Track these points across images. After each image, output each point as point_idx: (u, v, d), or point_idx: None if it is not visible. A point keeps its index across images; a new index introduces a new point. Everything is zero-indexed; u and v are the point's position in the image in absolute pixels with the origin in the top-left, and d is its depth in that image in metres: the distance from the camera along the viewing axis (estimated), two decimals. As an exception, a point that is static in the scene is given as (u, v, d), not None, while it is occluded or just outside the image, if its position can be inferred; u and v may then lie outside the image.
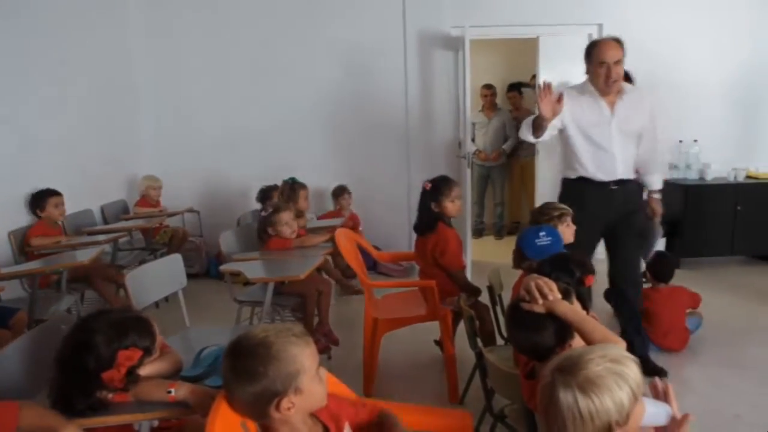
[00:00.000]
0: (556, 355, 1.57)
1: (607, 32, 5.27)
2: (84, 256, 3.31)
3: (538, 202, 4.00)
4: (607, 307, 3.63)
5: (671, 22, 5.36)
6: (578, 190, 3.12)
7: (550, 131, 3.02)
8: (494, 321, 2.95)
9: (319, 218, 4.94)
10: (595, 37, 5.39)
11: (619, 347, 1.28)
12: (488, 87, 6.55)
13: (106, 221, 4.72)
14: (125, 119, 5.32)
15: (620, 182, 3.10)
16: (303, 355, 1.35)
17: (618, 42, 3.02)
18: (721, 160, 5.34)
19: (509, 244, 2.63)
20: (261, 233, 3.61)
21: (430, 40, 5.42)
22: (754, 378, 3.12)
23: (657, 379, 1.36)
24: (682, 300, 3.52)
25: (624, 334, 3.07)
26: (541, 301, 1.58)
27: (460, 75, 5.28)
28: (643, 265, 3.58)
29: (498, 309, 2.93)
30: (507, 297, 2.21)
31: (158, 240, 4.89)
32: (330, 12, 5.40)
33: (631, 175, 3.17)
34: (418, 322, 3.12)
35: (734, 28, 5.40)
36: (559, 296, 1.59)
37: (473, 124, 6.16)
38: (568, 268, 2.00)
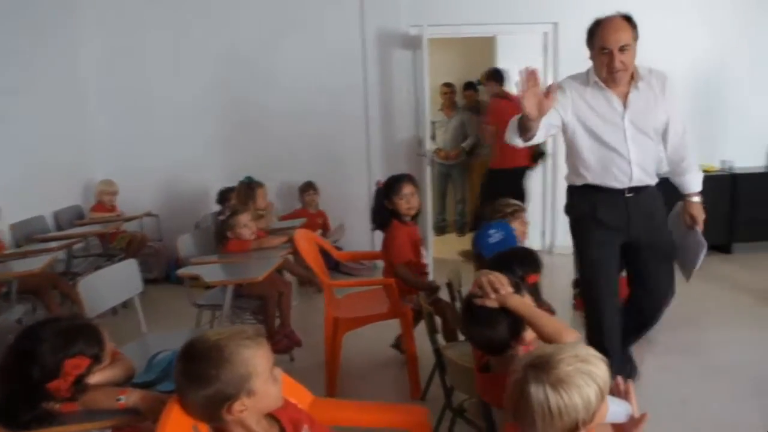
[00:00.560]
0: (510, 349, 1.61)
1: (562, 31, 5.37)
2: (35, 264, 3.20)
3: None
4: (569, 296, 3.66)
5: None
6: (586, 200, 2.62)
7: (545, 131, 2.47)
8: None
9: (281, 219, 4.90)
10: (551, 36, 5.48)
11: (586, 346, 1.30)
12: (448, 85, 6.61)
13: (60, 227, 4.58)
14: (76, 123, 5.17)
15: (636, 189, 2.57)
16: (256, 358, 1.35)
17: (627, 20, 2.41)
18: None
19: (471, 240, 2.66)
20: (219, 236, 3.57)
21: (388, 39, 5.42)
22: (701, 363, 3.21)
23: (620, 378, 1.39)
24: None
25: (624, 334, 2.75)
26: (493, 296, 1.60)
27: (418, 74, 5.31)
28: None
29: (457, 305, 2.96)
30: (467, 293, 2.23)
31: (115, 246, 4.76)
32: (288, 12, 5.35)
33: (650, 181, 2.63)
34: (380, 320, 3.11)
35: (689, 24, 5.47)
36: (511, 290, 1.61)
37: (433, 123, 6.19)
38: (511, 267, 1.99)
